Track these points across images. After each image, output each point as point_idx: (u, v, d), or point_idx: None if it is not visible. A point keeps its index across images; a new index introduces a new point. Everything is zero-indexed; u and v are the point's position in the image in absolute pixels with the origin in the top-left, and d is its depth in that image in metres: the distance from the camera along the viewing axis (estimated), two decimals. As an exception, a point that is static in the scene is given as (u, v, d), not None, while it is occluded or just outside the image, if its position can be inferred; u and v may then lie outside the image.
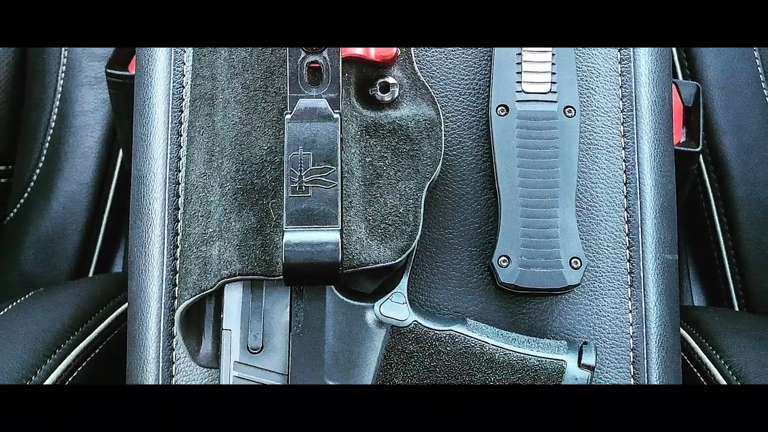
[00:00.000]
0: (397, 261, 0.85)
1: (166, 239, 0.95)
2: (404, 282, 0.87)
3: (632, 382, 0.94)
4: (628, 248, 0.95)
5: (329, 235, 0.83)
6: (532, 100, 0.92)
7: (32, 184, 1.52)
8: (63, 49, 1.49)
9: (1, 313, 1.10)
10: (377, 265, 0.85)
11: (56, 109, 1.52)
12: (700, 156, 1.42)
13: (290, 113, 0.85)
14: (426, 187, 0.87)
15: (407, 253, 0.85)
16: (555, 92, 0.92)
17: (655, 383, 0.94)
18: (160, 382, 0.94)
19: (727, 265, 1.51)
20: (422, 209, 0.86)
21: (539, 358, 0.86)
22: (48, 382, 0.99)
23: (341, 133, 0.86)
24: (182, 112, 0.97)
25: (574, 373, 0.86)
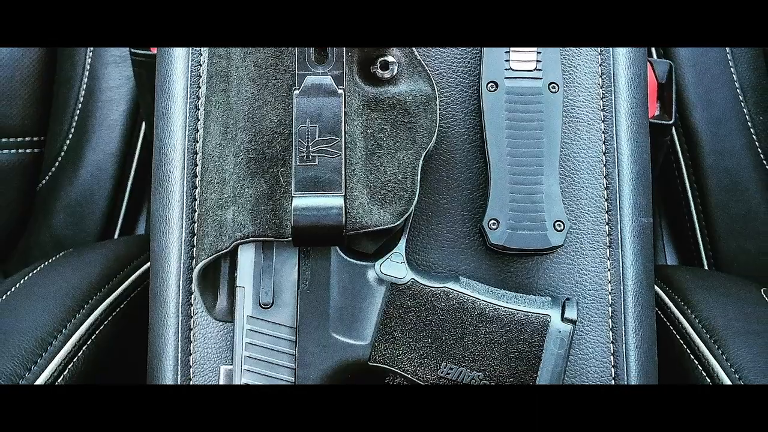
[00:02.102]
0: (396, 224, 0.85)
1: (184, 204, 0.95)
2: (402, 243, 0.87)
3: (611, 335, 0.94)
4: (606, 212, 0.95)
5: (334, 201, 0.83)
6: (519, 77, 0.91)
7: (63, 153, 1.52)
8: (91, 31, 1.49)
9: (35, 271, 1.10)
10: (378, 228, 0.85)
11: (84, 86, 1.53)
12: (673, 128, 1.42)
13: (298, 89, 0.86)
14: (422, 157, 0.87)
15: (405, 216, 0.85)
16: (540, 70, 0.91)
17: (632, 336, 0.94)
18: (180, 336, 0.94)
19: (697, 228, 1.51)
20: (419, 177, 0.86)
21: (526, 313, 0.86)
22: (77, 335, 0.98)
23: (345, 107, 0.86)
24: (199, 88, 0.96)
25: (558, 326, 0.86)
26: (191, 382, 0.93)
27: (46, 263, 1.13)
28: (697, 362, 1.03)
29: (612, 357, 0.94)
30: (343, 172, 0.84)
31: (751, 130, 1.46)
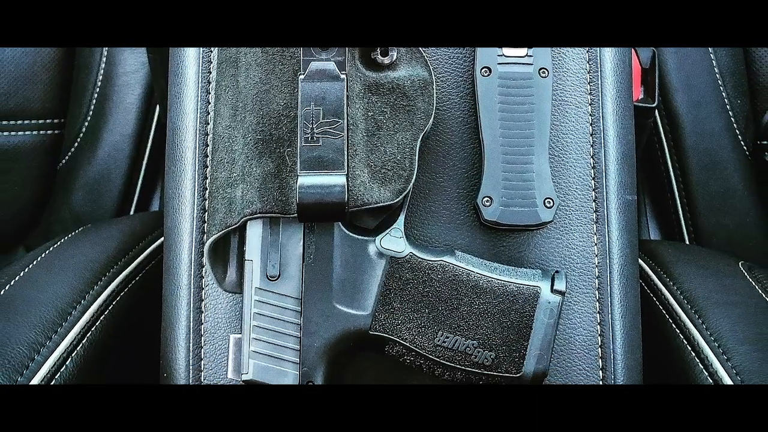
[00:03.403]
0: (395, 201, 0.85)
1: (196, 182, 0.94)
2: (401, 219, 0.87)
3: (597, 306, 0.94)
4: (593, 190, 0.95)
5: (337, 179, 0.83)
6: (511, 63, 0.91)
7: (81, 135, 1.52)
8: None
9: (55, 245, 1.10)
10: (378, 205, 0.84)
11: (102, 71, 1.53)
12: (656, 111, 1.42)
13: (303, 74, 0.86)
14: (420, 138, 0.87)
15: (404, 194, 0.85)
16: (531, 56, 0.91)
17: (617, 306, 0.94)
18: (192, 306, 0.94)
19: (679, 205, 1.51)
20: (417, 156, 0.86)
21: (517, 285, 0.86)
22: (95, 306, 0.99)
23: (347, 91, 0.86)
24: (210, 73, 0.96)
25: (547, 298, 0.86)
26: (202, 351, 0.93)
27: (66, 238, 1.13)
28: (678, 331, 1.03)
29: (598, 326, 0.94)
30: (346, 152, 0.84)
31: (730, 113, 1.46)
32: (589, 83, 0.97)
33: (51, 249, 1.09)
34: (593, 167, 0.96)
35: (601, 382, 0.94)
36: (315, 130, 0.85)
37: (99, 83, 1.53)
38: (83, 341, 0.95)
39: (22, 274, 1.02)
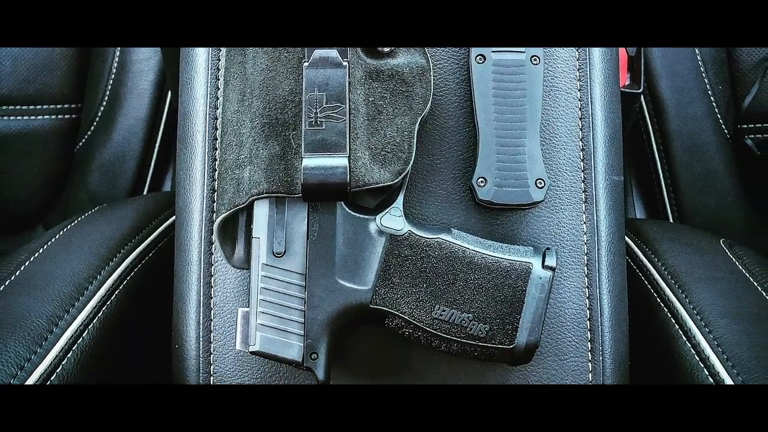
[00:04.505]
0: (394, 182, 0.85)
1: (206, 164, 0.94)
2: (400, 199, 0.87)
3: (586, 281, 0.94)
4: (582, 171, 0.95)
5: (339, 161, 0.84)
6: (504, 51, 0.91)
7: (97, 119, 1.52)
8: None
9: (73, 224, 1.10)
10: (378, 185, 0.84)
11: (117, 58, 1.54)
12: (642, 96, 1.42)
13: (307, 61, 0.86)
14: (418, 122, 0.86)
15: (403, 175, 0.85)
16: (524, 44, 0.92)
17: (605, 281, 0.94)
18: (202, 281, 0.94)
19: (663, 185, 1.51)
20: (415, 139, 0.86)
21: (510, 261, 0.86)
22: (110, 281, 0.99)
23: (349, 77, 0.86)
24: (219, 60, 0.96)
25: (539, 273, 0.86)
26: (212, 323, 0.94)
27: (83, 217, 1.13)
28: (663, 304, 1.03)
29: (587, 300, 0.94)
30: (348, 136, 0.84)
31: (711, 98, 1.46)
32: (578, 70, 0.97)
33: (69, 227, 1.09)
34: (582, 149, 0.95)
35: (589, 354, 0.94)
36: (318, 115, 0.85)
37: (114, 70, 1.53)
38: (99, 314, 0.95)
39: (41, 251, 1.02)
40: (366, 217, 0.87)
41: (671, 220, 1.52)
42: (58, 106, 1.51)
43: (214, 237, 0.92)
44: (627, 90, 1.21)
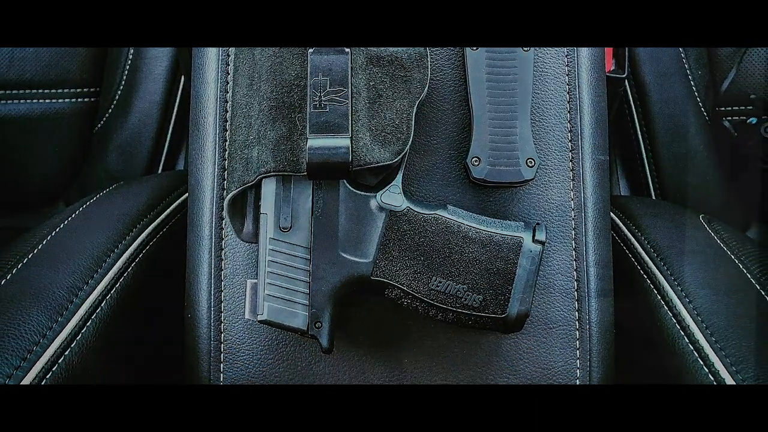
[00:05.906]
0: (394, 161, 0.85)
1: (217, 144, 0.94)
2: (399, 177, 0.87)
3: (574, 254, 0.94)
4: (570, 151, 0.95)
5: (342, 141, 0.83)
6: (498, 37, 0.91)
7: (115, 102, 1.52)
8: (137, -3, 1.49)
9: (92, 200, 1.10)
10: (378, 164, 0.84)
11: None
12: (626, 81, 1.42)
13: (312, 48, 0.86)
14: (416, 105, 0.86)
15: (402, 155, 0.85)
16: (516, 31, 0.91)
17: (591, 254, 0.94)
18: (213, 255, 0.94)
19: (646, 164, 1.51)
20: (413, 121, 0.86)
21: (502, 235, 0.86)
22: (127, 254, 0.99)
23: (351, 63, 0.86)
24: (229, 47, 0.96)
25: (529, 247, 0.86)
26: (222, 294, 0.94)
27: (101, 194, 1.13)
28: (645, 276, 1.03)
29: (575, 272, 0.94)
30: (350, 118, 0.84)
31: (692, 82, 1.46)
32: (566, 56, 0.97)
33: (88, 203, 1.09)
34: (570, 131, 0.95)
35: (577, 323, 0.94)
36: (322, 98, 0.84)
37: (130, 56, 1.53)
38: (116, 285, 0.95)
39: (62, 226, 1.02)
40: (367, 194, 0.87)
41: (654, 197, 1.52)
42: (78, 90, 1.51)
43: (225, 213, 0.92)
44: (612, 75, 1.21)
